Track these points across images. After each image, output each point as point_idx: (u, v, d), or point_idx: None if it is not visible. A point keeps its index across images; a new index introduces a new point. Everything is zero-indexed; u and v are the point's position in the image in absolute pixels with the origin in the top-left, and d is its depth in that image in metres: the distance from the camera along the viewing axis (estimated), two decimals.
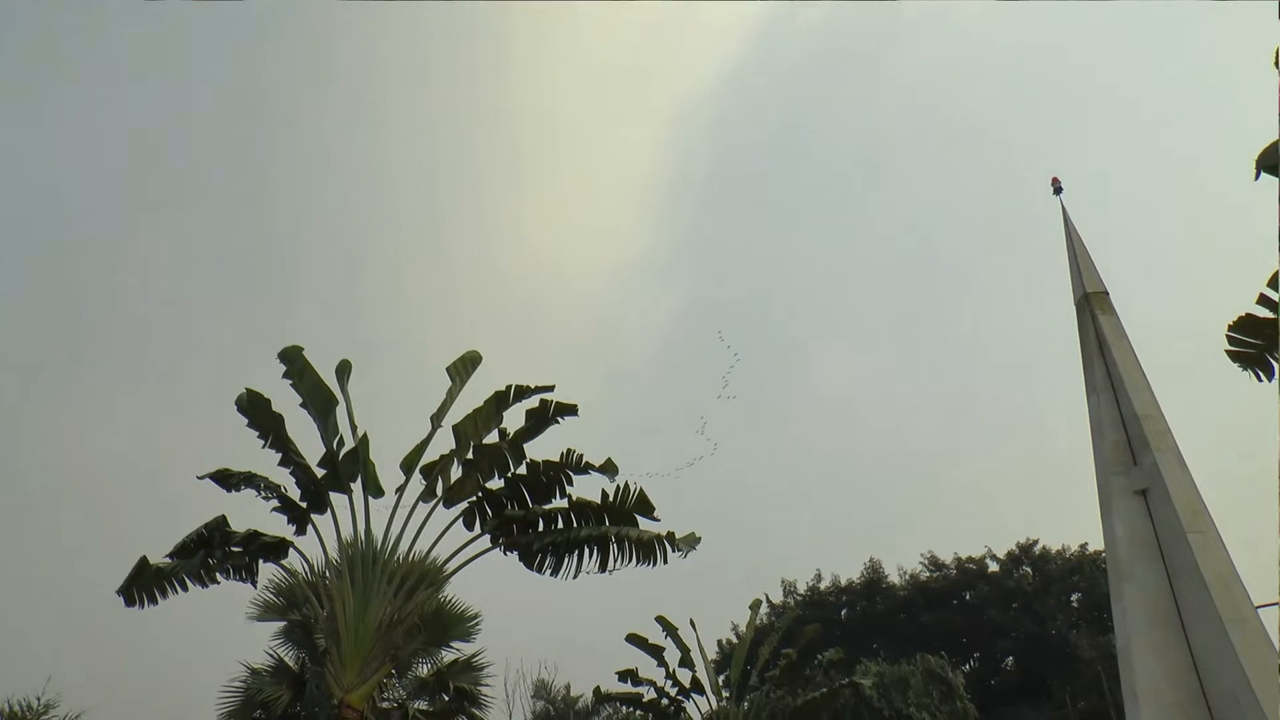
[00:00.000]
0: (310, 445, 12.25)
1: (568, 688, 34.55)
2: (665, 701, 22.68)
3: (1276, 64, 7.26)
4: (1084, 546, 42.57)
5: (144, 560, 11.70)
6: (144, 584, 11.85)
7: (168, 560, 11.99)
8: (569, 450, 12.10)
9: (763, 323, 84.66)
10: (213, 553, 11.98)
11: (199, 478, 12.02)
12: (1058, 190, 17.14)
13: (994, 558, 44.19)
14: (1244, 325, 9.45)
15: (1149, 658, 13.15)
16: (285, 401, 12.17)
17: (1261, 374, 9.67)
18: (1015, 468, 68.24)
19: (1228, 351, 9.72)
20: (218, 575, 12.25)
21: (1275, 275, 8.76)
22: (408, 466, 12.21)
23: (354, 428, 12.23)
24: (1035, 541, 43.84)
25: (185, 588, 12.08)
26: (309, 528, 12.23)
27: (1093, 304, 15.83)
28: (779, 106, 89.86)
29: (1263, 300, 9.13)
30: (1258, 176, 7.75)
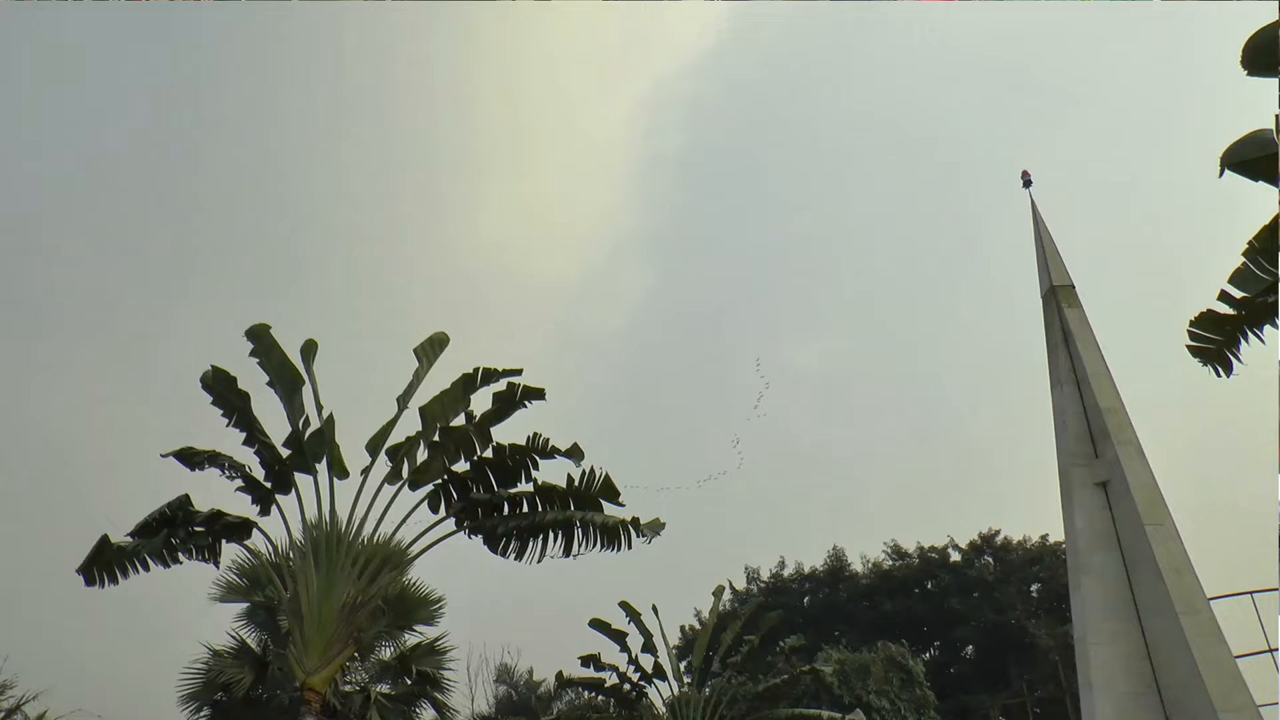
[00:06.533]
0: (276, 425, 12.18)
1: (530, 672, 34.59)
2: (627, 687, 22.75)
3: (1242, 63, 7.36)
4: (1045, 537, 43.11)
5: (105, 539, 11.55)
6: (104, 563, 11.70)
7: (129, 539, 11.84)
8: (535, 434, 12.07)
9: (734, 304, 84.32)
10: (175, 532, 11.84)
11: (162, 456, 11.90)
12: (1027, 184, 17.31)
13: (956, 547, 44.62)
14: (1205, 321, 9.60)
15: (1105, 647, 13.39)
16: (251, 380, 12.08)
17: (1220, 370, 9.84)
18: (978, 457, 68.77)
19: (1189, 346, 9.87)
20: (180, 555, 12.09)
21: (1236, 271, 8.90)
22: (374, 448, 12.14)
23: (320, 408, 12.15)
24: (997, 532, 44.32)
25: (147, 567, 11.92)
26: (273, 508, 12.14)
27: (1059, 297, 16.02)
28: (757, 87, 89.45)
29: (1223, 296, 9.27)
30: (1222, 173, 7.85)
